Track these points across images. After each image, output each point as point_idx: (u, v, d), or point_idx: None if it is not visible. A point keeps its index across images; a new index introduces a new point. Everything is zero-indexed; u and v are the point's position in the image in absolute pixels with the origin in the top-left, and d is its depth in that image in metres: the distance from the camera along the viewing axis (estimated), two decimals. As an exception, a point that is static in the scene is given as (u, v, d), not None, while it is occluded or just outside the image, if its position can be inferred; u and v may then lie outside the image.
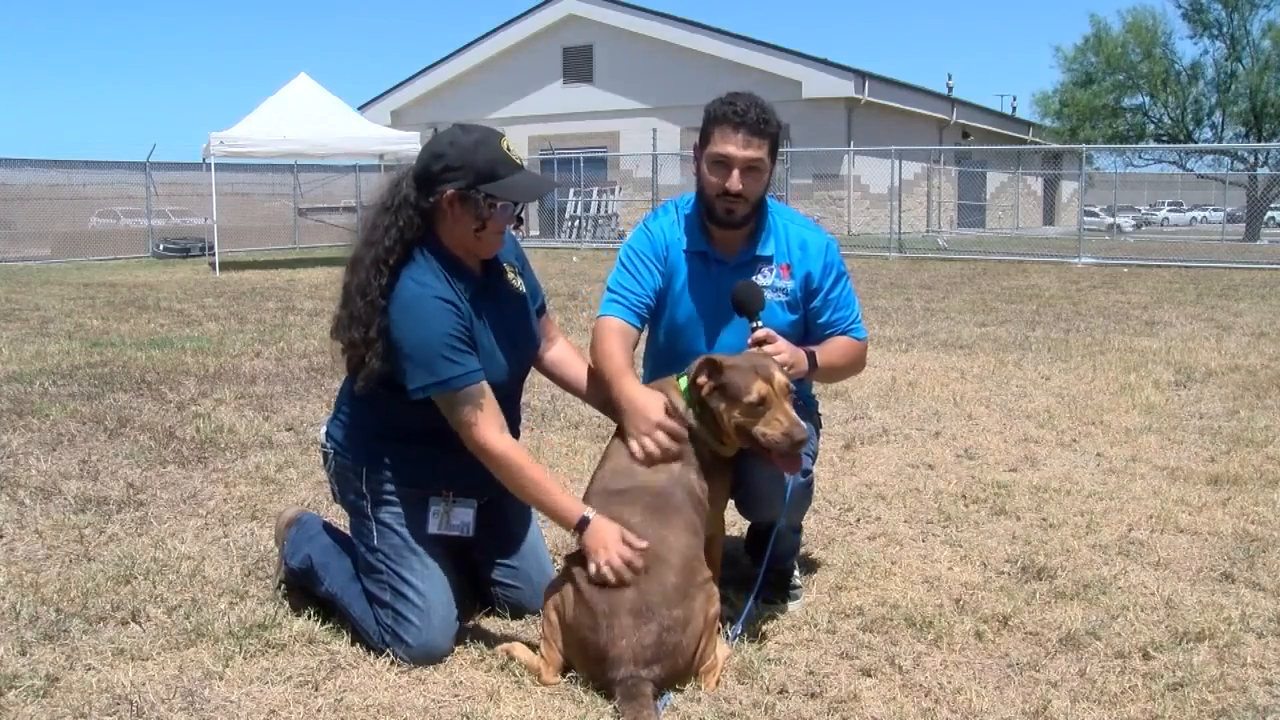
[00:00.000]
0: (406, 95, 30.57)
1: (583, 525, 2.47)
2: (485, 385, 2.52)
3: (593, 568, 2.40)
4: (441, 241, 2.58)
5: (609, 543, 2.42)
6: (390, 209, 2.56)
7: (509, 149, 2.56)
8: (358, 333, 2.53)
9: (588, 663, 2.40)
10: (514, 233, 2.76)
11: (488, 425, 2.50)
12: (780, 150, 2.92)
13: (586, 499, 2.59)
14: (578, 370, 2.88)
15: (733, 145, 2.75)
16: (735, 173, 2.75)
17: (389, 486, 2.67)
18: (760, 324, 2.72)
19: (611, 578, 2.37)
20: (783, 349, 2.70)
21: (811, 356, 2.79)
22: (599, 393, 2.79)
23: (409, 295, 2.50)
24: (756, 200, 2.83)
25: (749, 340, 2.73)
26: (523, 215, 2.72)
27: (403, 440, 2.66)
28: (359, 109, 28.31)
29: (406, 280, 2.52)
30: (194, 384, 6.10)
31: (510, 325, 2.70)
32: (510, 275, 2.76)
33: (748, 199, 2.79)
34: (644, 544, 2.42)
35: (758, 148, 2.76)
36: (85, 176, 20.70)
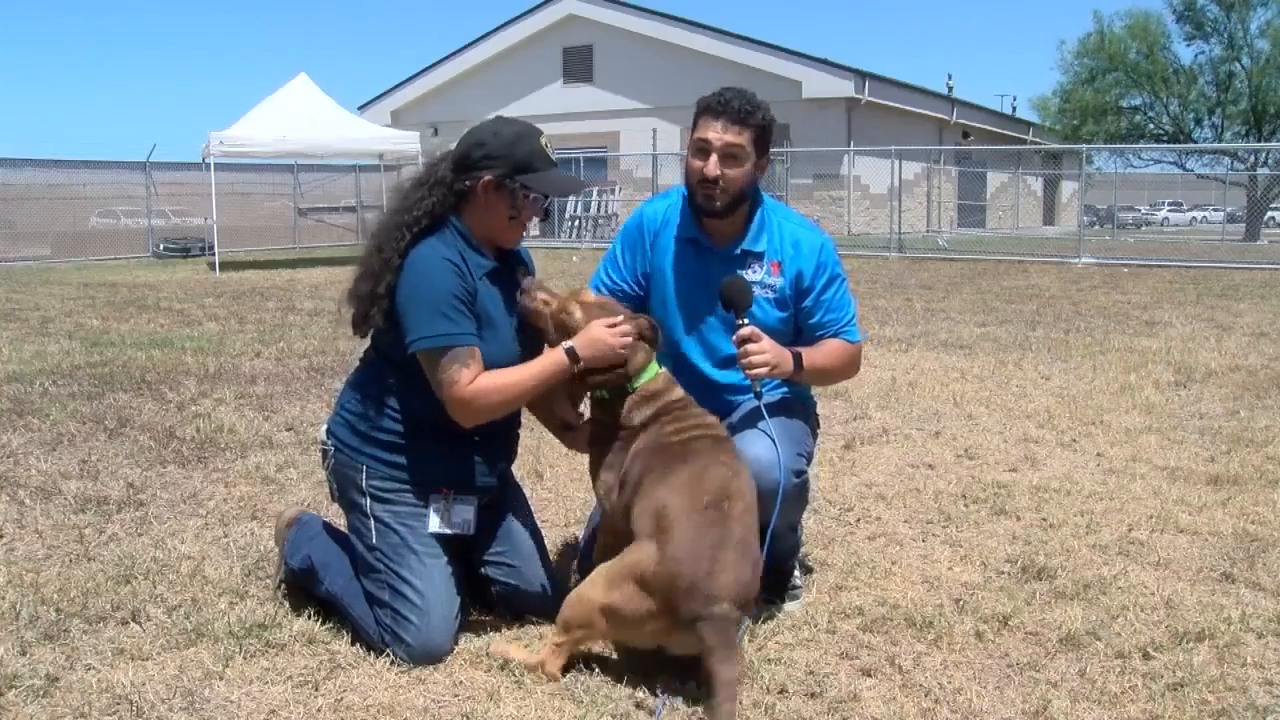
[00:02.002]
0: (406, 95, 30.58)
1: (572, 353, 2.57)
2: (476, 351, 2.56)
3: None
4: (465, 223, 2.67)
5: (602, 334, 2.57)
6: (425, 184, 2.68)
7: (545, 145, 2.67)
8: (367, 285, 2.62)
9: (668, 601, 2.29)
10: (527, 236, 2.84)
11: (466, 381, 2.54)
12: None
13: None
14: None
15: (711, 131, 2.79)
16: (713, 158, 2.78)
17: (388, 484, 2.67)
18: (746, 321, 2.74)
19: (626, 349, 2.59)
20: (766, 348, 2.71)
21: (797, 357, 2.79)
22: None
23: (418, 255, 2.60)
24: (737, 192, 2.83)
25: (734, 338, 2.74)
26: (548, 208, 2.81)
27: (403, 438, 2.67)
28: (359, 109, 28.40)
29: (422, 244, 2.62)
30: (194, 384, 6.10)
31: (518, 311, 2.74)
32: (521, 277, 2.79)
33: (726, 189, 2.80)
34: (625, 322, 2.61)
35: (736, 134, 2.78)
36: (85, 176, 20.71)
